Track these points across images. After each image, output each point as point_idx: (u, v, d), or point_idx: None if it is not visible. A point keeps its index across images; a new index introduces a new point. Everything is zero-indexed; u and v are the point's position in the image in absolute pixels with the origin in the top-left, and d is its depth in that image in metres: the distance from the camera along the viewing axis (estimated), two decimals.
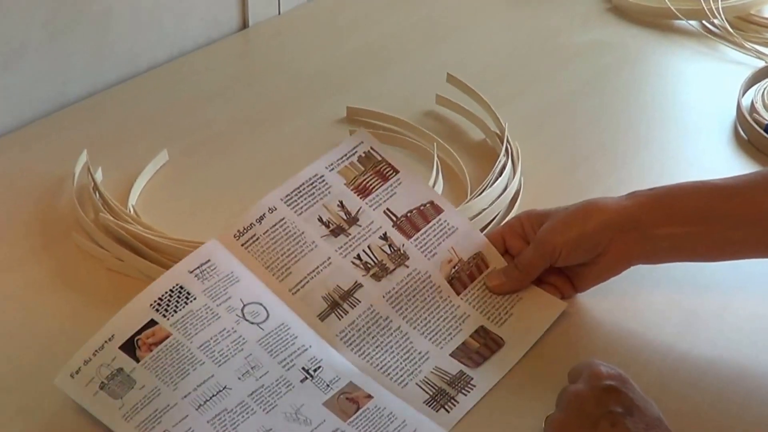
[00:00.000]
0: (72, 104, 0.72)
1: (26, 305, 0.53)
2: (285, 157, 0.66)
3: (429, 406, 0.47)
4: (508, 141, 0.65)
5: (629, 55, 0.82)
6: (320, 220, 0.53)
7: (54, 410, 0.45)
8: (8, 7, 0.66)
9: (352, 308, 0.51)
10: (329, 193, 0.54)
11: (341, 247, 0.52)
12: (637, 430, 0.40)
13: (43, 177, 0.63)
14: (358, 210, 0.54)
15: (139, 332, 0.46)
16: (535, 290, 0.53)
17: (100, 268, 0.55)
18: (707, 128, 0.72)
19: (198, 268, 0.49)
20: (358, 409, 0.46)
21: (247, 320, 0.48)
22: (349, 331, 0.50)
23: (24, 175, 0.64)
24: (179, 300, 0.47)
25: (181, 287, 0.48)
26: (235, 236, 0.51)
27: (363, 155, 0.56)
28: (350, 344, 0.49)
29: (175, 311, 0.47)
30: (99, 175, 0.62)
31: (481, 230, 0.57)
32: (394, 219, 0.54)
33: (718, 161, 0.68)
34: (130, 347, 0.45)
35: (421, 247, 0.54)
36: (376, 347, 0.49)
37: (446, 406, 0.47)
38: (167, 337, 0.46)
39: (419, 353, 0.50)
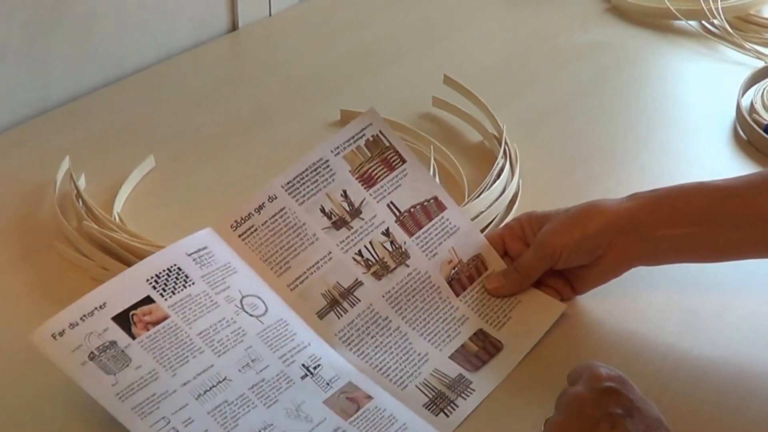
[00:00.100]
0: (54, 108, 0.73)
1: (5, 317, 0.53)
2: (277, 161, 0.66)
3: (428, 409, 0.49)
4: (506, 143, 0.66)
5: (628, 55, 0.84)
6: (322, 210, 0.53)
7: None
8: None
9: (352, 307, 0.52)
10: (333, 180, 0.54)
11: (343, 241, 0.53)
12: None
13: (23, 184, 0.64)
14: (362, 201, 0.54)
15: (134, 307, 0.45)
16: (534, 292, 0.55)
17: (84, 277, 0.55)
18: (707, 129, 0.73)
19: (196, 252, 0.49)
20: (358, 408, 0.47)
21: (246, 312, 0.48)
22: (348, 331, 0.51)
23: (3, 182, 0.64)
24: (177, 282, 0.47)
25: (179, 269, 0.48)
26: (232, 227, 0.51)
27: (371, 139, 0.55)
28: (349, 344, 0.50)
29: (173, 293, 0.47)
30: (82, 182, 0.63)
31: (480, 232, 0.58)
32: (398, 214, 0.55)
33: (718, 162, 0.70)
34: (124, 321, 0.45)
35: (422, 246, 0.55)
36: (375, 347, 0.50)
37: (446, 410, 0.49)
38: (165, 318, 0.46)
39: (418, 354, 0.51)
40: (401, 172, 0.56)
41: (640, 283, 0.56)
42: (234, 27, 0.86)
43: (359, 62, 0.81)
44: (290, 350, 0.48)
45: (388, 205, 0.55)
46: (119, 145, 0.69)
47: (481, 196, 0.61)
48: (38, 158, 0.67)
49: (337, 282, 0.52)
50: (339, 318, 0.51)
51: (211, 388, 0.45)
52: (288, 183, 0.53)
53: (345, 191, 0.54)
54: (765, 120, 0.71)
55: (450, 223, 0.56)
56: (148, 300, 0.46)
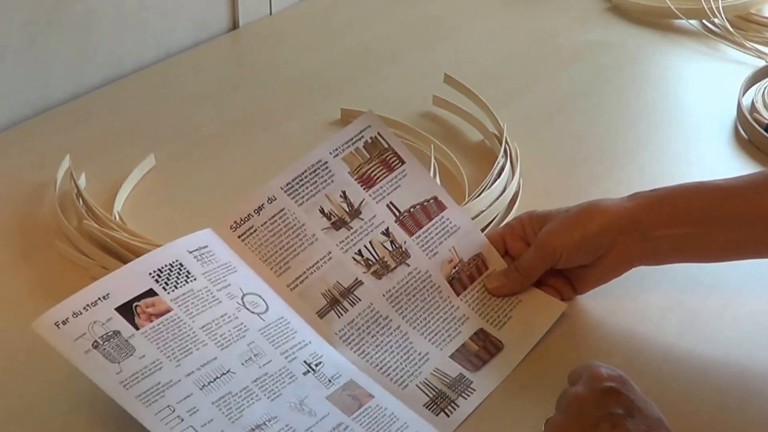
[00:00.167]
0: (54, 108, 0.73)
1: (5, 317, 0.53)
2: (277, 161, 0.66)
3: (429, 409, 0.49)
4: (506, 142, 0.66)
5: (629, 54, 0.84)
6: (322, 211, 0.53)
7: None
8: None
9: (352, 306, 0.52)
10: (332, 181, 0.54)
11: (342, 241, 0.53)
12: None
13: (23, 183, 0.64)
14: (361, 202, 0.54)
15: (137, 299, 0.46)
16: (535, 292, 0.55)
17: (85, 276, 0.55)
18: (707, 128, 0.73)
19: (197, 250, 0.49)
20: (360, 406, 0.47)
21: (247, 309, 0.49)
22: (349, 330, 0.51)
23: (3, 181, 0.64)
24: (179, 277, 0.48)
25: (181, 264, 0.48)
26: (231, 227, 0.51)
27: (369, 141, 0.56)
28: (349, 343, 0.51)
29: (176, 287, 0.47)
30: (82, 181, 0.63)
31: (480, 232, 0.58)
32: (397, 214, 0.55)
33: (719, 161, 0.70)
34: (128, 312, 0.45)
35: (422, 246, 0.55)
36: (376, 347, 0.51)
37: (446, 410, 0.49)
38: (167, 311, 0.46)
39: (419, 354, 0.51)
40: (400, 172, 0.56)
41: (641, 282, 0.56)
42: (234, 26, 0.86)
43: (360, 61, 0.81)
44: (292, 347, 0.49)
45: (387, 206, 0.55)
46: (119, 145, 0.69)
47: (482, 195, 0.62)
48: (38, 157, 0.67)
49: (337, 281, 0.53)
50: (339, 317, 0.52)
51: (215, 380, 0.45)
52: (287, 184, 0.54)
53: (344, 192, 0.54)
54: (766, 119, 0.72)
55: (450, 223, 0.57)
56: (150, 293, 0.47)
